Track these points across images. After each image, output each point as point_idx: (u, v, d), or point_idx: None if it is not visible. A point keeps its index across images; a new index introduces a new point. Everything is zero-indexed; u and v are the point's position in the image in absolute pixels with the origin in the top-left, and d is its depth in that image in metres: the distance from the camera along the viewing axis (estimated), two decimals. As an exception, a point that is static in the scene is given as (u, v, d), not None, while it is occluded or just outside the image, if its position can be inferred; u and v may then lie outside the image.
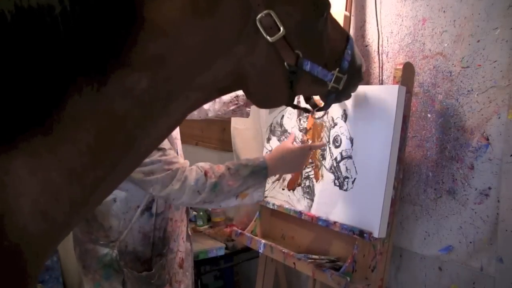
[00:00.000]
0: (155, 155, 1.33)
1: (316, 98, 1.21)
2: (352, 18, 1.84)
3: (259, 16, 0.75)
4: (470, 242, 1.47)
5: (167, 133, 0.80)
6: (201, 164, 1.41)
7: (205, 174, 1.37)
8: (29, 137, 0.59)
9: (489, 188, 1.41)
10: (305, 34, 0.86)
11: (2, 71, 0.57)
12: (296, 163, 1.51)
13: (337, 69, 1.00)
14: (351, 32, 1.85)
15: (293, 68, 0.84)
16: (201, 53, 0.72)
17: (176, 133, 1.58)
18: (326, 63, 0.95)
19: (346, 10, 1.79)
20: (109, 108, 0.64)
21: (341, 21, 1.76)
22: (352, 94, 1.44)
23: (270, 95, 0.90)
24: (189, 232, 1.71)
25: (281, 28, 0.78)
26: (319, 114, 1.65)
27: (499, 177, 1.38)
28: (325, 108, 1.16)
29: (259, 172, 1.42)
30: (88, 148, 0.63)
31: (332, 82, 0.99)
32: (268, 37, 0.77)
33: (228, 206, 1.46)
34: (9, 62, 0.57)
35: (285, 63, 0.83)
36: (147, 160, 1.28)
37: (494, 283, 1.40)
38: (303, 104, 1.24)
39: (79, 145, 0.63)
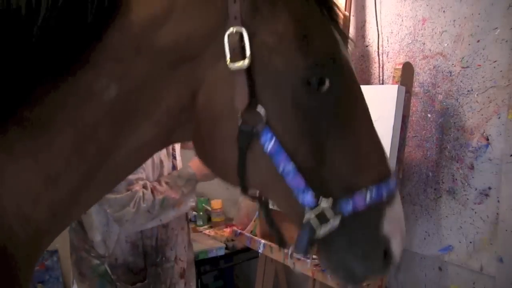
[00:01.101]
0: None
1: None
2: (352, 18, 1.84)
3: (228, 31, 0.59)
4: (470, 242, 1.47)
5: (138, 160, 0.70)
6: (146, 182, 1.43)
7: (152, 192, 1.40)
8: (6, 137, 0.58)
9: (489, 188, 1.41)
10: (279, 92, 0.61)
11: None
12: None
13: (330, 200, 0.61)
14: (351, 32, 1.85)
15: (245, 126, 0.60)
16: (166, 60, 0.61)
17: None
18: (311, 177, 0.61)
19: (346, 10, 1.79)
20: (80, 114, 0.60)
21: (340, 21, 1.76)
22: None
23: (215, 154, 0.66)
24: (190, 241, 1.70)
25: (247, 58, 0.58)
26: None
27: (499, 177, 1.38)
28: (296, 245, 0.65)
29: (191, 180, 1.49)
30: (61, 153, 0.60)
31: (312, 210, 0.62)
32: (228, 60, 0.59)
33: (167, 219, 1.48)
34: None
35: (240, 114, 0.60)
36: None
37: (494, 283, 1.40)
38: None
39: (53, 149, 0.60)
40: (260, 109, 0.59)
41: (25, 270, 0.62)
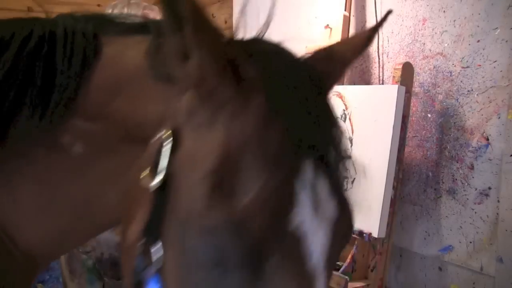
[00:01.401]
0: None
1: None
2: (352, 18, 1.84)
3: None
4: (470, 242, 1.47)
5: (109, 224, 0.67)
6: None
7: None
8: None
9: (489, 188, 1.41)
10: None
11: None
12: None
13: None
14: (351, 32, 1.85)
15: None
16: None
17: None
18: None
19: (345, 10, 1.79)
20: (46, 165, 0.59)
21: (340, 21, 1.76)
22: (351, 94, 1.44)
23: None
24: None
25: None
26: None
27: (499, 177, 1.38)
28: None
29: None
30: (36, 197, 0.60)
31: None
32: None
33: None
34: None
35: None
36: None
37: (494, 283, 1.40)
38: None
39: (38, 194, 0.59)
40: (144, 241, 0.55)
41: None
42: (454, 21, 1.50)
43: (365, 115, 1.48)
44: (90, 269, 1.45)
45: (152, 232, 0.49)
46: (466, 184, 1.48)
